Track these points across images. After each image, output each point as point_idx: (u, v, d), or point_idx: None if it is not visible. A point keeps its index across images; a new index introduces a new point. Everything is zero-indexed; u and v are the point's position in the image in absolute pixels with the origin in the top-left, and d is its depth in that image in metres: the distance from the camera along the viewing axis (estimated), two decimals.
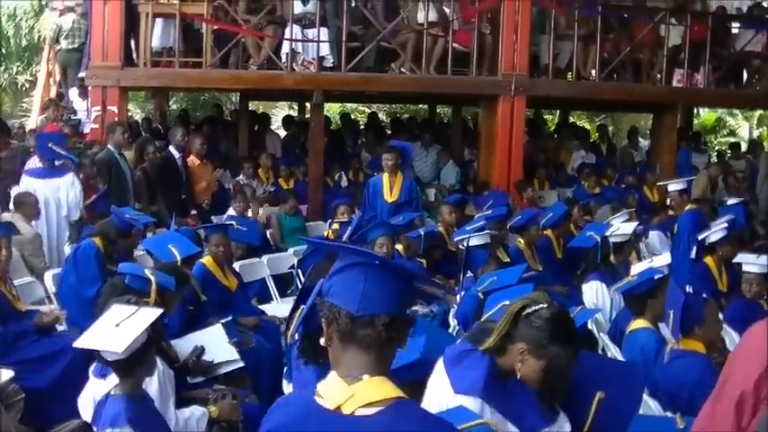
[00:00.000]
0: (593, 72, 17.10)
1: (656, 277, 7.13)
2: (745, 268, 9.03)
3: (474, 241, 9.66)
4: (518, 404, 4.06)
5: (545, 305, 4.08)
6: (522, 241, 11.25)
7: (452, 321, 8.59)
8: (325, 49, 15.27)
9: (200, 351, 7.23)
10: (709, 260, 10.62)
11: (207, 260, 9.05)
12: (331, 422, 2.81)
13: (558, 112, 26.69)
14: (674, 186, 12.99)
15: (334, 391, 2.84)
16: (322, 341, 2.97)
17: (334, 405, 2.81)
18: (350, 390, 2.81)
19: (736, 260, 9.72)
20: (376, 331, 2.84)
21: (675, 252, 11.54)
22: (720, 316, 8.30)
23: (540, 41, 16.73)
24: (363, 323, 2.84)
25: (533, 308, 4.05)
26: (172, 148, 13.66)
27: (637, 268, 8.29)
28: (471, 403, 3.98)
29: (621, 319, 7.98)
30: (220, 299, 8.91)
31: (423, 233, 10.87)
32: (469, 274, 9.25)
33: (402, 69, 15.95)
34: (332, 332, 2.92)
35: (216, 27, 14.98)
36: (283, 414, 3.00)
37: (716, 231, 10.66)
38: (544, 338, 3.97)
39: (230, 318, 8.43)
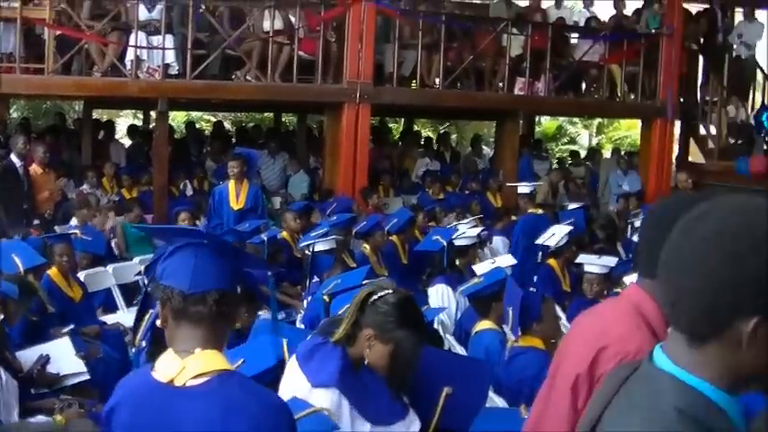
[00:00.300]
0: (437, 80, 17.31)
1: (501, 279, 7.33)
2: (586, 269, 9.36)
3: (319, 247, 9.76)
4: (371, 394, 4.13)
5: (390, 291, 4.18)
6: (367, 247, 11.37)
7: (300, 326, 8.65)
8: (170, 57, 15.13)
9: (44, 360, 7.13)
10: (552, 262, 10.97)
11: (51, 271, 8.94)
12: (163, 394, 2.93)
13: (403, 120, 26.97)
14: (522, 189, 13.38)
15: (168, 366, 2.96)
16: (158, 323, 3.08)
17: (167, 378, 2.94)
18: (182, 363, 2.93)
19: (578, 261, 10.06)
20: (207, 307, 2.97)
21: (515, 254, 11.87)
22: (562, 314, 8.58)
23: (384, 50, 16.85)
24: (195, 300, 2.97)
25: (379, 294, 4.14)
26: (13, 157, 13.34)
27: (481, 268, 8.49)
28: (329, 396, 4.03)
29: (465, 320, 8.16)
30: (64, 309, 8.82)
31: (265, 239, 10.87)
32: (316, 279, 9.33)
33: (247, 77, 15.93)
34: (166, 312, 3.03)
35: (59, 32, 14.69)
36: (123, 391, 3.13)
37: (558, 235, 10.99)
38: (390, 323, 4.05)
39: (71, 327, 8.34)
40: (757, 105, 20.33)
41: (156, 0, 15.15)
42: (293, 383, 4.18)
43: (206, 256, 3.04)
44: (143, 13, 14.98)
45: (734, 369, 1.93)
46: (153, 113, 18.20)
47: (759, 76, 21.23)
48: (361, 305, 4.14)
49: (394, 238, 11.93)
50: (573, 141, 32.59)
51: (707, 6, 20.90)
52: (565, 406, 3.00)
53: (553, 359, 3.29)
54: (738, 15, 21.25)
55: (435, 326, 8.14)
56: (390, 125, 27.07)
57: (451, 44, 17.42)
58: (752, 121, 19.61)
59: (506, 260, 9.72)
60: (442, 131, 28.09)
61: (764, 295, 1.81)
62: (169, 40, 15.06)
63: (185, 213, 12.40)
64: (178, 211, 12.63)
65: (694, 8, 21.00)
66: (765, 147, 18.62)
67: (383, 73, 16.87)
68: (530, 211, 13.02)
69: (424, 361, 4.22)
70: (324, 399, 4.02)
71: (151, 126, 20.50)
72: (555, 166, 22.35)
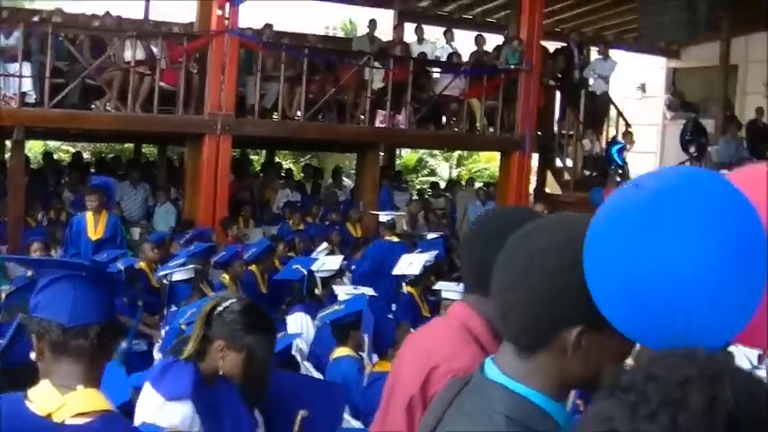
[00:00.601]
0: (299, 112, 17.40)
1: (362, 307, 7.40)
2: (444, 295, 9.51)
3: (177, 276, 9.72)
4: (223, 410, 4.14)
5: (234, 300, 4.20)
6: (226, 277, 11.34)
7: (157, 356, 8.60)
8: (27, 85, 14.90)
9: None
10: (411, 289, 11.11)
11: None
12: (42, 427, 2.85)
13: (264, 151, 26.95)
14: (383, 218, 13.60)
15: (47, 399, 2.88)
16: (32, 355, 2.98)
17: (44, 412, 2.85)
18: (63, 399, 2.86)
19: (436, 287, 10.23)
20: (88, 341, 2.91)
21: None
22: None
23: (246, 82, 16.89)
24: (76, 333, 2.90)
25: (224, 305, 4.14)
26: None
27: (343, 293, 8.55)
28: (183, 409, 4.02)
29: (317, 346, 8.23)
30: None
31: (122, 268, 10.75)
32: (174, 308, 9.28)
33: (107, 107, 15.77)
34: (43, 346, 2.94)
35: None
36: None
37: (416, 263, 11.15)
38: (239, 330, 4.04)
39: None
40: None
41: (13, 27, 14.93)
42: (146, 404, 4.15)
43: (85, 288, 2.97)
44: None
45: (561, 377, 2.03)
46: (8, 143, 17.85)
47: (612, 111, 21.93)
48: (207, 319, 4.14)
49: (253, 267, 11.94)
50: (433, 173, 32.88)
51: (564, 44, 21.54)
52: (401, 427, 3.03)
53: (387, 380, 3.33)
54: (594, 53, 21.95)
55: (293, 352, 8.17)
56: (252, 157, 27.03)
57: (314, 77, 17.53)
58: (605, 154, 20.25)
59: (369, 290, 9.81)
60: (303, 163, 28.15)
61: (586, 305, 1.91)
62: (26, 68, 14.83)
63: (38, 243, 12.12)
64: (31, 241, 12.36)
65: (552, 46, 21.60)
66: (618, 179, 19.17)
67: (245, 105, 16.88)
68: (386, 238, 13.21)
69: (280, 384, 4.27)
70: (178, 412, 4.00)
71: (6, 156, 20.10)
72: (415, 197, 22.60)
